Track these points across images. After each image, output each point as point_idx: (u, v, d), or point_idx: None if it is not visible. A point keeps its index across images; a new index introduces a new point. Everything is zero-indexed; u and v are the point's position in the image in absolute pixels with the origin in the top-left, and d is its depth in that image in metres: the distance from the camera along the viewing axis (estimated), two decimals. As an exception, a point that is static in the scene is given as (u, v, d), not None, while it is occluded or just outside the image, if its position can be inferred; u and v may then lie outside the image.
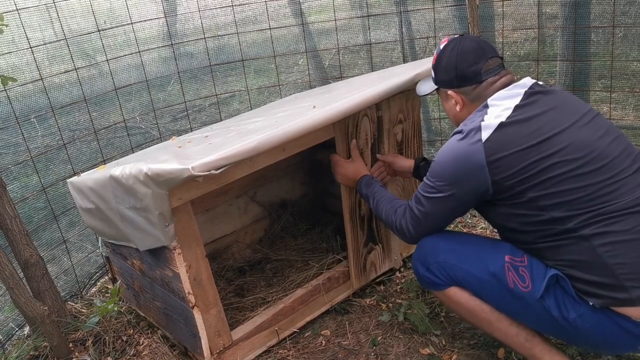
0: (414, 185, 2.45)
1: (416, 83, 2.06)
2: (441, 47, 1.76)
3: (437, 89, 1.81)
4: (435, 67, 1.78)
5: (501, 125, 1.52)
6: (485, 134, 1.52)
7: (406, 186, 2.42)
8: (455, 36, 1.76)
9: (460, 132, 1.60)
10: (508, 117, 1.53)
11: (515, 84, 1.62)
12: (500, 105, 1.56)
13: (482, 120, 1.55)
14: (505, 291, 1.58)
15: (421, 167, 2.12)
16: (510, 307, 1.62)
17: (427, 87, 1.88)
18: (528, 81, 1.62)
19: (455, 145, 1.58)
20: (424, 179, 1.69)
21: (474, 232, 2.75)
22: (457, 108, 1.73)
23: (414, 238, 1.77)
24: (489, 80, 1.65)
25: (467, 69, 1.66)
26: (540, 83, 1.64)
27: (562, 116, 1.53)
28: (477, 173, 1.53)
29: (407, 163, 2.17)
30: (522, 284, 1.54)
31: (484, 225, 2.79)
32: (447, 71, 1.71)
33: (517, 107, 1.54)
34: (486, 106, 1.59)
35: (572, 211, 1.46)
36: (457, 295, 1.70)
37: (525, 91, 1.58)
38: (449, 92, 1.72)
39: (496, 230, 1.78)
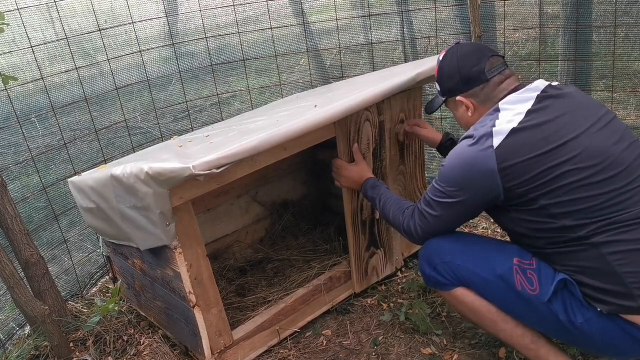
0: (415, 187, 2.44)
1: (418, 82, 2.06)
2: (440, 58, 1.76)
3: (445, 102, 1.79)
4: (439, 79, 1.76)
5: (513, 132, 1.49)
6: (497, 141, 1.49)
7: (408, 186, 2.42)
8: (452, 46, 1.76)
9: (471, 137, 1.56)
10: (520, 123, 1.50)
11: (528, 87, 1.59)
12: (512, 110, 1.53)
13: (494, 125, 1.52)
14: (513, 294, 1.57)
15: (448, 145, 2.09)
16: (516, 309, 1.61)
17: (435, 103, 1.86)
18: (541, 84, 1.59)
19: (466, 151, 1.56)
20: (434, 182, 1.67)
21: (475, 232, 2.75)
22: (469, 114, 1.70)
23: (422, 240, 1.77)
24: (495, 79, 1.63)
25: (471, 69, 1.64)
26: (555, 84, 1.60)
27: (576, 121, 1.50)
28: (489, 180, 1.51)
29: (433, 136, 2.17)
30: (530, 287, 1.53)
31: (485, 226, 2.78)
32: (451, 77, 1.70)
33: (529, 112, 1.51)
34: (497, 110, 1.57)
35: (583, 220, 1.44)
36: (464, 295, 1.69)
37: (538, 95, 1.55)
38: (458, 98, 1.70)
39: (506, 233, 1.76)
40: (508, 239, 1.76)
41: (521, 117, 1.51)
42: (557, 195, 1.45)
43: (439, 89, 1.78)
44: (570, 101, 1.55)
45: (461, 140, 1.62)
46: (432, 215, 1.69)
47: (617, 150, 1.47)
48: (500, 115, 1.54)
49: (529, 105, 1.53)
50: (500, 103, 1.58)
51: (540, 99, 1.54)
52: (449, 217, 1.66)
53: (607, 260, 1.42)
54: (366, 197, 2.04)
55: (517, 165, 1.47)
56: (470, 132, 1.59)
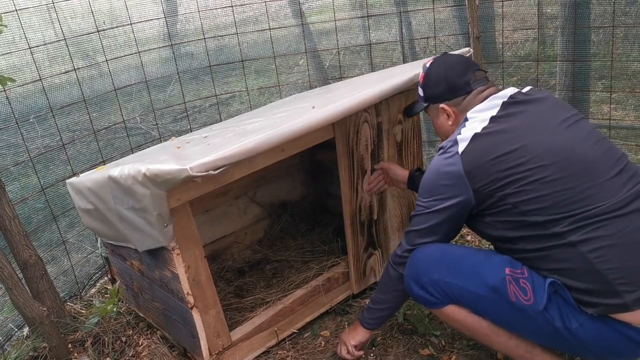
0: (412, 195, 2.43)
1: (416, 83, 2.06)
2: (427, 65, 1.81)
3: (426, 108, 1.84)
4: (424, 84, 1.81)
5: (475, 137, 1.56)
6: (461, 147, 1.56)
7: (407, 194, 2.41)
8: (438, 56, 1.82)
9: (441, 148, 1.65)
10: (483, 129, 1.57)
11: (495, 95, 1.66)
12: (477, 118, 1.61)
13: (459, 133, 1.60)
14: (506, 305, 1.55)
15: (416, 177, 2.11)
16: (511, 321, 1.59)
17: (415, 108, 1.92)
18: (509, 91, 1.65)
19: (437, 160, 1.64)
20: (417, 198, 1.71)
21: (473, 232, 2.74)
22: (450, 122, 1.76)
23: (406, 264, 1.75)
24: (478, 89, 1.70)
25: (457, 79, 1.71)
26: (524, 91, 1.66)
27: (539, 124, 1.56)
28: (458, 184, 1.55)
29: (402, 172, 2.17)
30: (524, 296, 1.52)
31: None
32: (438, 84, 1.75)
33: (492, 119, 1.58)
34: (466, 119, 1.64)
35: (553, 215, 1.45)
36: (455, 313, 1.67)
37: (503, 102, 1.61)
38: (441, 105, 1.75)
39: (489, 243, 1.77)
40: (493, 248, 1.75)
41: (485, 124, 1.58)
42: (524, 193, 1.48)
43: (422, 94, 1.83)
44: (537, 105, 1.61)
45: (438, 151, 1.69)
46: (414, 232, 1.70)
47: (581, 148, 1.51)
48: (467, 123, 1.62)
49: (493, 112, 1.59)
50: (468, 112, 1.65)
51: (505, 105, 1.60)
52: (430, 231, 1.67)
53: (587, 258, 1.42)
54: (373, 317, 1.94)
55: (481, 167, 1.52)
56: (442, 143, 1.66)
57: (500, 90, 1.70)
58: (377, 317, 1.93)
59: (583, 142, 1.52)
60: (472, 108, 1.66)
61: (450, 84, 1.72)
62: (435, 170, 1.63)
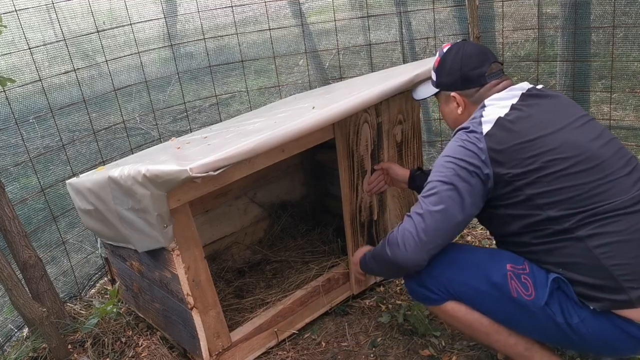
0: (412, 195, 2.43)
1: (416, 84, 2.05)
2: (444, 50, 1.78)
3: (436, 93, 1.82)
4: (438, 70, 1.79)
5: (499, 121, 1.55)
6: (486, 128, 1.55)
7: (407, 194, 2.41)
8: (458, 41, 1.79)
9: (464, 127, 1.62)
10: (506, 114, 1.56)
11: (513, 87, 1.66)
12: (497, 104, 1.61)
13: (482, 116, 1.58)
14: (507, 301, 1.55)
15: (417, 176, 2.10)
16: (511, 317, 1.59)
17: (426, 91, 1.90)
18: (526, 85, 1.66)
19: (459, 136, 1.60)
20: (427, 181, 1.63)
21: (473, 232, 2.75)
22: (459, 111, 1.74)
23: (416, 251, 1.55)
24: (491, 83, 1.69)
25: (471, 71, 1.69)
26: (539, 87, 1.67)
27: (555, 118, 1.56)
28: (480, 160, 1.52)
29: (403, 172, 2.16)
30: (525, 292, 1.52)
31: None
32: (451, 73, 1.73)
33: (513, 107, 1.58)
34: (484, 106, 1.63)
35: (567, 210, 1.46)
36: (455, 310, 1.66)
37: (523, 93, 1.62)
38: (452, 94, 1.74)
39: (493, 237, 1.76)
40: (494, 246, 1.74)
41: (506, 110, 1.58)
42: (541, 184, 1.48)
43: (434, 79, 1.81)
44: (552, 101, 1.62)
45: (454, 133, 1.65)
46: (423, 214, 1.54)
47: (594, 146, 1.52)
48: (487, 109, 1.61)
49: (513, 101, 1.60)
50: (486, 100, 1.64)
51: (524, 96, 1.61)
52: (442, 211, 1.52)
53: (594, 253, 1.43)
54: (365, 263, 1.86)
55: (505, 152, 1.51)
56: (463, 125, 1.63)
57: (513, 83, 1.70)
58: (368, 269, 1.86)
59: (596, 141, 1.53)
60: (484, 99, 1.65)
61: (464, 76, 1.70)
62: (459, 144, 1.56)
